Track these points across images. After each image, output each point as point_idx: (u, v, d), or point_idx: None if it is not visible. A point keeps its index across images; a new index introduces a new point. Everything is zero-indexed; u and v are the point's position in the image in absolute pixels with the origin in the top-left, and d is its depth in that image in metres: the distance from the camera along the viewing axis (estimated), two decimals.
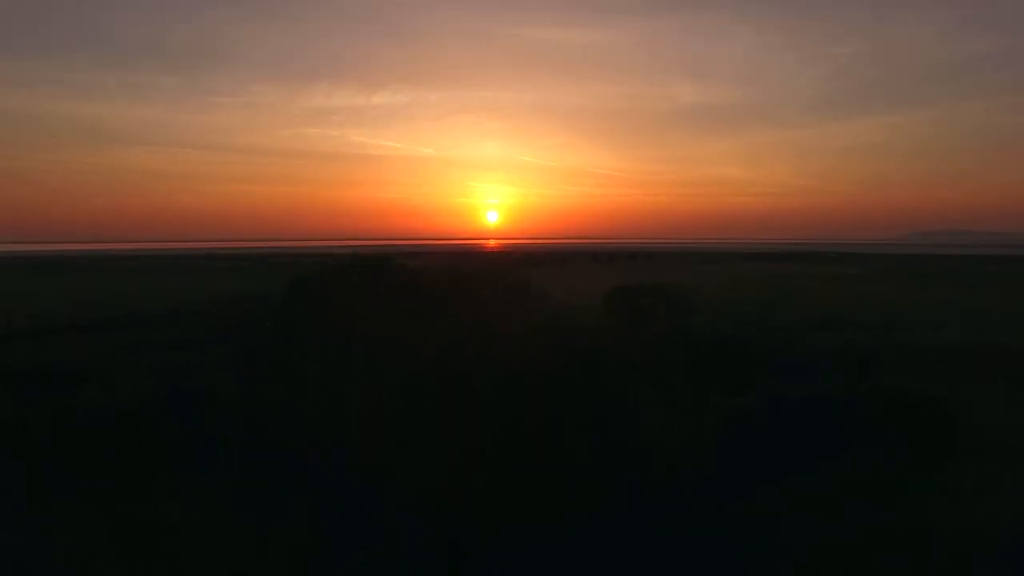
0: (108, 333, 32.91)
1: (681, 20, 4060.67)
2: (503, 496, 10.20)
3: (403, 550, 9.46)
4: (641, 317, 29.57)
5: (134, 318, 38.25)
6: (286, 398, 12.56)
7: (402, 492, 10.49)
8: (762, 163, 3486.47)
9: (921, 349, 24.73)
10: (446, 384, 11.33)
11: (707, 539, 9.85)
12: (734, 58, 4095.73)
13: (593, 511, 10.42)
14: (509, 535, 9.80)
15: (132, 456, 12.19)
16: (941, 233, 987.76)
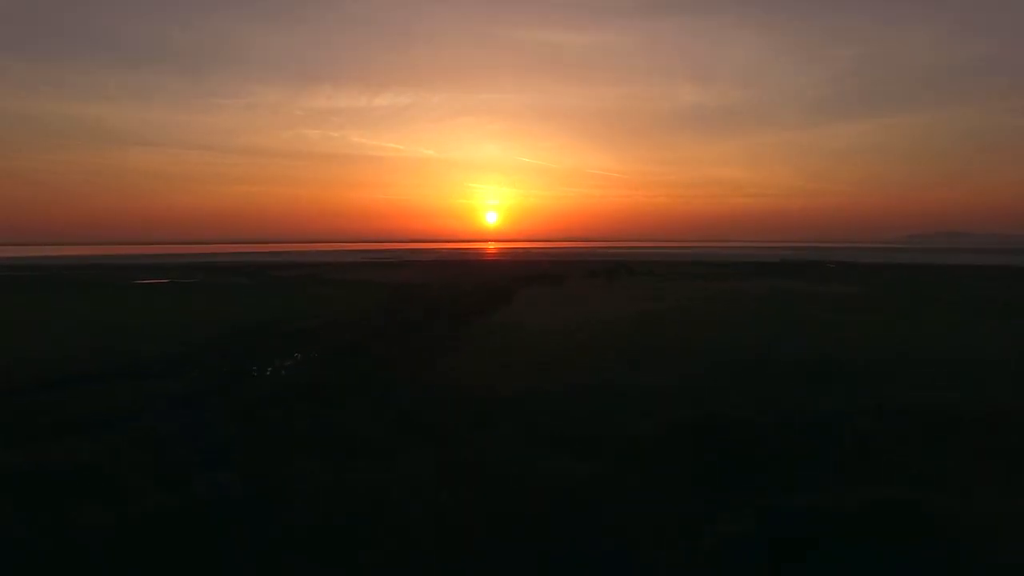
0: (102, 388, 31.49)
1: (682, 23, 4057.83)
2: None
3: None
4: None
5: (134, 362, 37.82)
6: None
7: None
8: (762, 165, 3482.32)
9: (919, 417, 24.68)
10: None
11: None
12: (734, 60, 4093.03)
13: None
14: None
15: None
16: (940, 236, 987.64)
